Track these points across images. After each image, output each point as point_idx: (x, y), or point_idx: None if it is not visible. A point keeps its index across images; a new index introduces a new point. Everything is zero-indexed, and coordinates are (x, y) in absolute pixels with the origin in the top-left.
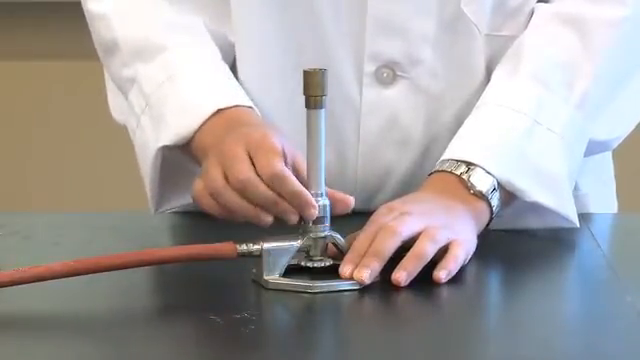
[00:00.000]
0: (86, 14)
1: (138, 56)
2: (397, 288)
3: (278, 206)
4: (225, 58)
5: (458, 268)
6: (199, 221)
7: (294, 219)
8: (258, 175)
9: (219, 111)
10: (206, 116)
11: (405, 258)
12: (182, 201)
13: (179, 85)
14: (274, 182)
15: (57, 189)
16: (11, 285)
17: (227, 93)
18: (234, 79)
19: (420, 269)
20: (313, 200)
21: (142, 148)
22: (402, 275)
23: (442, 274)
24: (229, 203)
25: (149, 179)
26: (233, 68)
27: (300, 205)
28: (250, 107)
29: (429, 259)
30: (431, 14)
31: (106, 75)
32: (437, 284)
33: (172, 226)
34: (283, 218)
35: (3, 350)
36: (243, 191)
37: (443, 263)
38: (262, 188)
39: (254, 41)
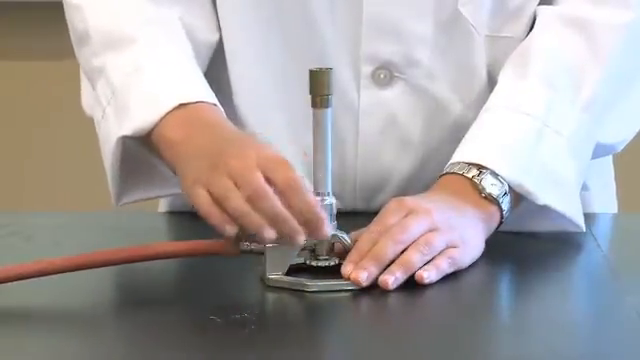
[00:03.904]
0: (64, 4)
1: (108, 47)
2: (399, 289)
3: (287, 223)
4: (198, 55)
5: (440, 275)
6: (200, 221)
7: (300, 240)
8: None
9: (181, 105)
10: (167, 109)
11: (393, 265)
12: (143, 195)
13: (145, 77)
14: (289, 193)
15: (57, 189)
16: (14, 280)
17: (192, 88)
18: (202, 75)
19: (407, 277)
20: (327, 218)
21: (105, 139)
22: (389, 279)
23: (425, 275)
24: (237, 209)
25: (110, 170)
26: (222, 70)
27: (313, 221)
28: (214, 104)
29: (416, 269)
30: (428, 15)
31: (81, 70)
32: (437, 284)
33: (173, 226)
34: (288, 238)
35: (1, 345)
36: (255, 200)
37: (428, 266)
38: (276, 201)
39: (250, 44)
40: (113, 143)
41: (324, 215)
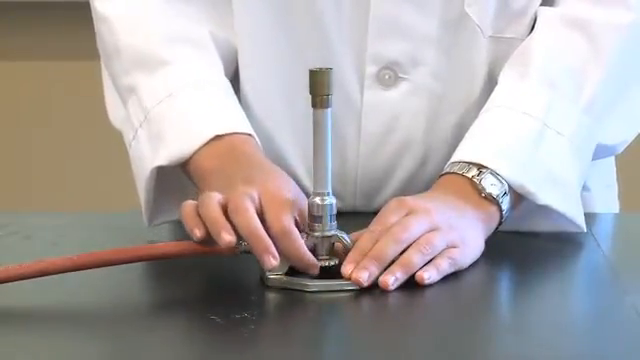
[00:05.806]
0: (92, 12)
1: (139, 66)
2: (399, 288)
3: (261, 243)
4: (228, 66)
5: (441, 275)
6: None
7: (269, 263)
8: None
9: (217, 137)
10: (204, 141)
11: (394, 265)
12: (174, 216)
13: (179, 104)
14: (280, 238)
15: (57, 189)
16: (14, 280)
17: (227, 118)
18: (235, 100)
19: (407, 277)
20: (315, 260)
21: (138, 162)
22: (389, 279)
23: (425, 276)
24: (209, 215)
25: (143, 194)
26: (237, 72)
27: (303, 267)
28: (249, 134)
29: (416, 269)
30: (434, 15)
31: (104, 76)
32: (437, 284)
33: (173, 227)
34: (259, 258)
35: (1, 345)
36: (233, 213)
37: (428, 267)
38: (254, 219)
39: (256, 43)
40: (148, 171)
41: (315, 261)
